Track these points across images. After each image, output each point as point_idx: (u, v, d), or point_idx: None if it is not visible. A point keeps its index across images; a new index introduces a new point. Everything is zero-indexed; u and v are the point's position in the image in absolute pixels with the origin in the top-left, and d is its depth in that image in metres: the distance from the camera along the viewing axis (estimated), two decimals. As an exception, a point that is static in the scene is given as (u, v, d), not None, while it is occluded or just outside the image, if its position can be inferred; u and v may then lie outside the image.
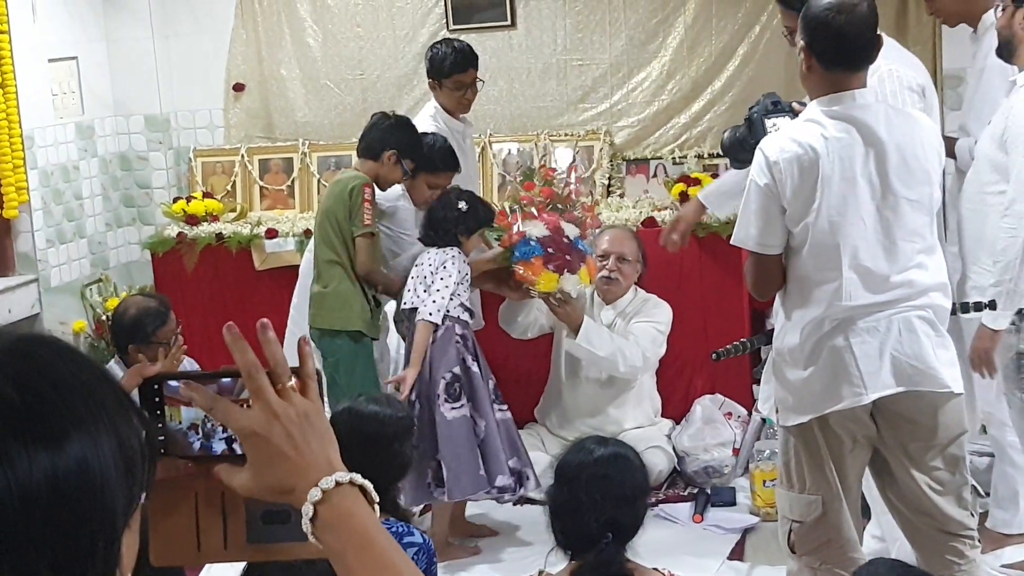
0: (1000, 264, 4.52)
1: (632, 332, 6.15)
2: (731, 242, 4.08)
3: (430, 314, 5.44)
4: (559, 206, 5.80)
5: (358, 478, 1.44)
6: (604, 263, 6.17)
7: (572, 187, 5.97)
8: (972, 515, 4.03)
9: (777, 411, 4.02)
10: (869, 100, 3.86)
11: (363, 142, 5.69)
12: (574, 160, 6.30)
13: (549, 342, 6.40)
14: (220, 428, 1.53)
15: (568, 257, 5.63)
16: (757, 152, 3.86)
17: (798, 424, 3.93)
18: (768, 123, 4.15)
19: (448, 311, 5.47)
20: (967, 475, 4.00)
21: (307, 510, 1.42)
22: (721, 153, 6.92)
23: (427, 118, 6.07)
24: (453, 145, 6.00)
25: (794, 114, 4.11)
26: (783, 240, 3.86)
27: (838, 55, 3.80)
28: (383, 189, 5.67)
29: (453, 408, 5.47)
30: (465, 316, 5.54)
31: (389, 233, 5.90)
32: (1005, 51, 4.75)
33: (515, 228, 5.64)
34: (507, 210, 5.85)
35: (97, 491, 1.17)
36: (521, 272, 5.60)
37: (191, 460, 1.54)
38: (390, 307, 5.87)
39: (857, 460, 3.97)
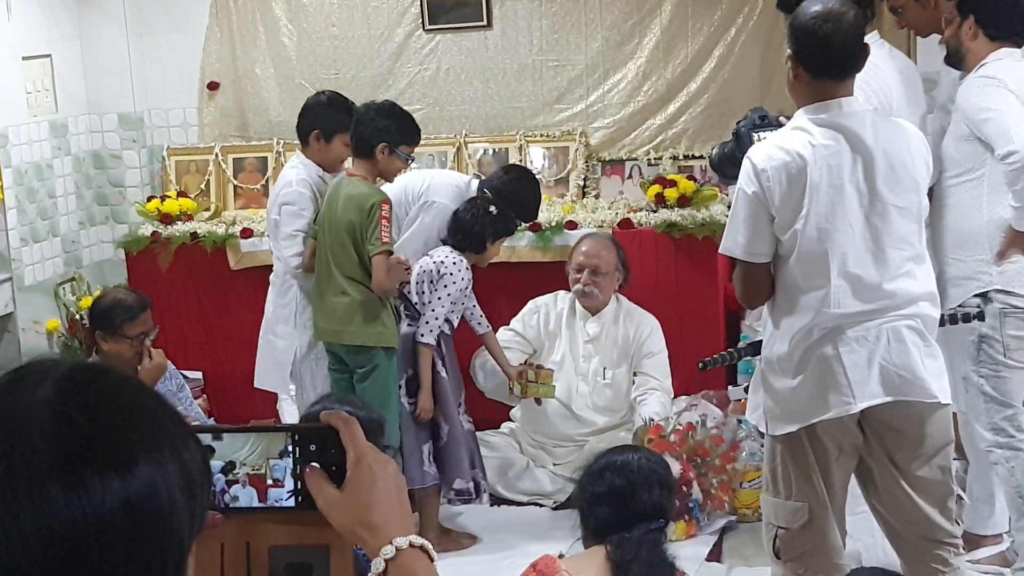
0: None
1: (649, 373, 6.14)
2: (719, 251, 4.08)
3: (422, 335, 5.52)
4: (700, 461, 5.71)
5: (419, 539, 1.57)
6: (578, 276, 6.14)
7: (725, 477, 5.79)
8: (957, 523, 4.06)
9: (766, 420, 4.01)
10: (856, 108, 3.88)
11: (354, 141, 5.47)
12: (726, 443, 5.97)
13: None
14: (245, 479, 1.58)
15: (676, 502, 5.54)
16: (744, 161, 3.87)
17: (786, 433, 3.94)
18: (755, 137, 4.13)
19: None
20: (953, 484, 4.02)
21: (378, 565, 1.54)
22: (690, 155, 7.06)
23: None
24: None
25: (781, 128, 4.10)
26: (771, 249, 3.87)
27: (825, 64, 3.81)
28: (389, 181, 5.62)
29: (411, 403, 5.57)
30: (445, 327, 5.59)
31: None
32: (954, 59, 4.85)
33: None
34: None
35: (166, 514, 1.19)
36: None
37: (218, 511, 1.58)
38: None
39: (843, 468, 3.98)
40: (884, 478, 3.96)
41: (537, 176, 6.85)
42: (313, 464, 1.58)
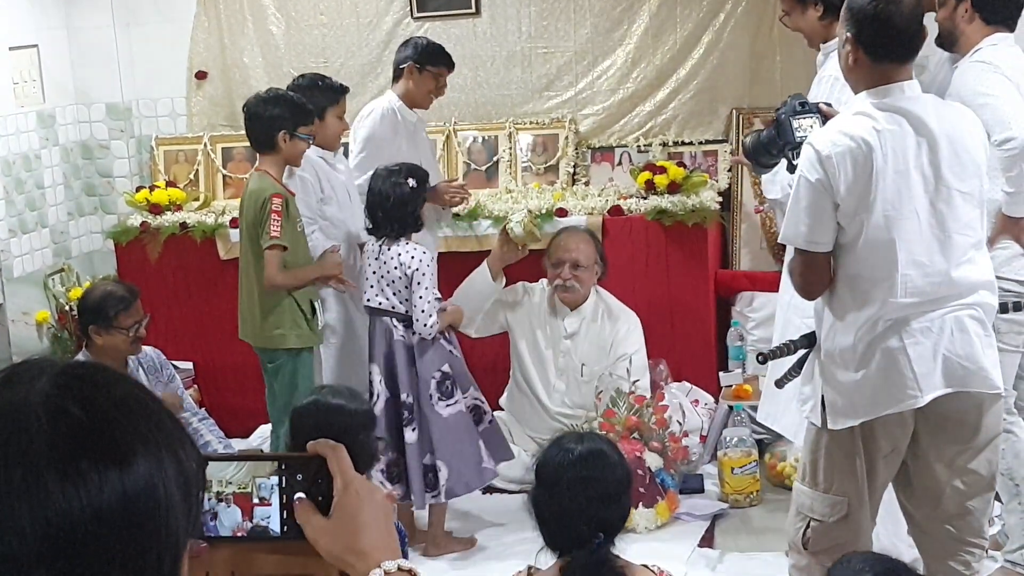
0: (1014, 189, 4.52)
1: (623, 376, 5.99)
2: (779, 240, 4.00)
3: (430, 333, 5.40)
4: (642, 435, 5.73)
5: (407, 563, 1.58)
6: (558, 271, 6.09)
7: (670, 429, 5.87)
8: (988, 525, 4.01)
9: (823, 413, 3.89)
10: (917, 91, 3.80)
11: (251, 139, 5.47)
12: (662, 384, 6.22)
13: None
14: (230, 498, 1.58)
15: (643, 489, 5.50)
16: (805, 147, 3.78)
17: (848, 427, 3.84)
18: (795, 124, 4.02)
19: None
20: (996, 480, 3.98)
21: None
22: (680, 141, 7.06)
23: (383, 107, 6.03)
24: (404, 136, 5.98)
25: (821, 115, 4.02)
26: (833, 237, 3.76)
27: (886, 47, 3.72)
28: (297, 165, 5.52)
29: (448, 405, 5.45)
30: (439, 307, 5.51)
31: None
32: (946, 41, 4.84)
33: None
34: None
35: (163, 509, 1.18)
36: None
37: (203, 539, 1.58)
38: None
39: (888, 467, 3.91)
40: (925, 475, 3.90)
41: (525, 164, 6.88)
42: (301, 496, 1.59)
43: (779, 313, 5.06)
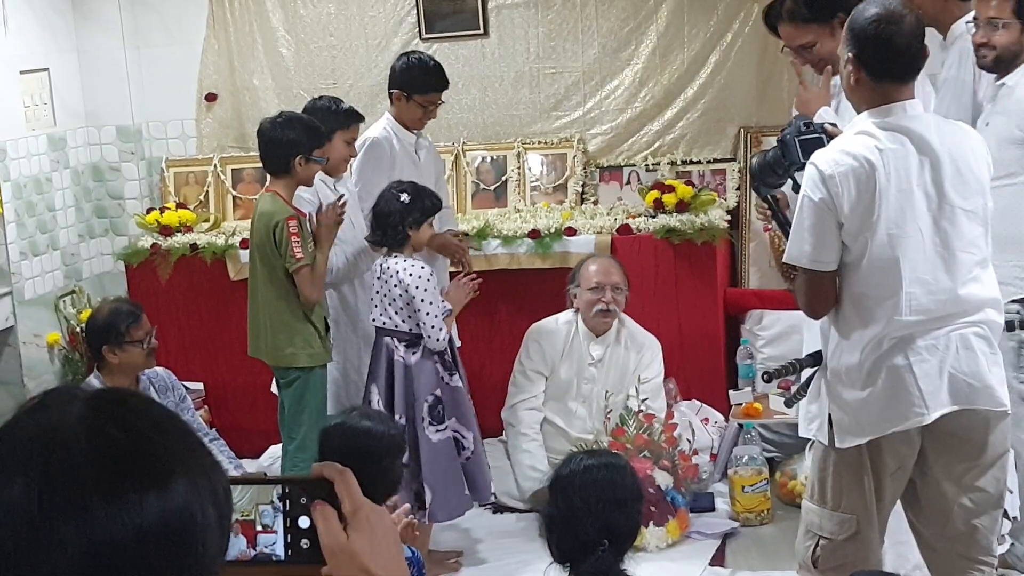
0: None
1: (640, 398, 6.02)
2: (783, 260, 4.01)
3: (438, 342, 5.35)
4: (652, 454, 5.74)
5: None
6: (599, 296, 6.02)
7: (680, 447, 5.88)
8: (997, 542, 4.00)
9: (830, 432, 3.88)
10: (919, 110, 3.81)
11: (266, 162, 5.49)
12: (672, 403, 6.24)
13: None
14: (237, 527, 1.58)
15: (654, 508, 5.49)
16: (808, 167, 3.78)
17: (855, 445, 3.83)
18: (800, 144, 3.99)
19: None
20: (1004, 498, 3.97)
21: None
22: (688, 160, 7.07)
23: (373, 137, 5.90)
24: (404, 158, 5.90)
25: (827, 135, 3.99)
26: (838, 256, 3.76)
27: (888, 66, 3.74)
28: (309, 186, 5.53)
29: (438, 431, 5.40)
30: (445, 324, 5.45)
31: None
32: (1003, 64, 4.78)
33: None
34: None
35: (200, 530, 1.20)
36: None
37: None
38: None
39: (896, 484, 3.90)
40: (932, 492, 3.90)
41: (534, 184, 6.89)
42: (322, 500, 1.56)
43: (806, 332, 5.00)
